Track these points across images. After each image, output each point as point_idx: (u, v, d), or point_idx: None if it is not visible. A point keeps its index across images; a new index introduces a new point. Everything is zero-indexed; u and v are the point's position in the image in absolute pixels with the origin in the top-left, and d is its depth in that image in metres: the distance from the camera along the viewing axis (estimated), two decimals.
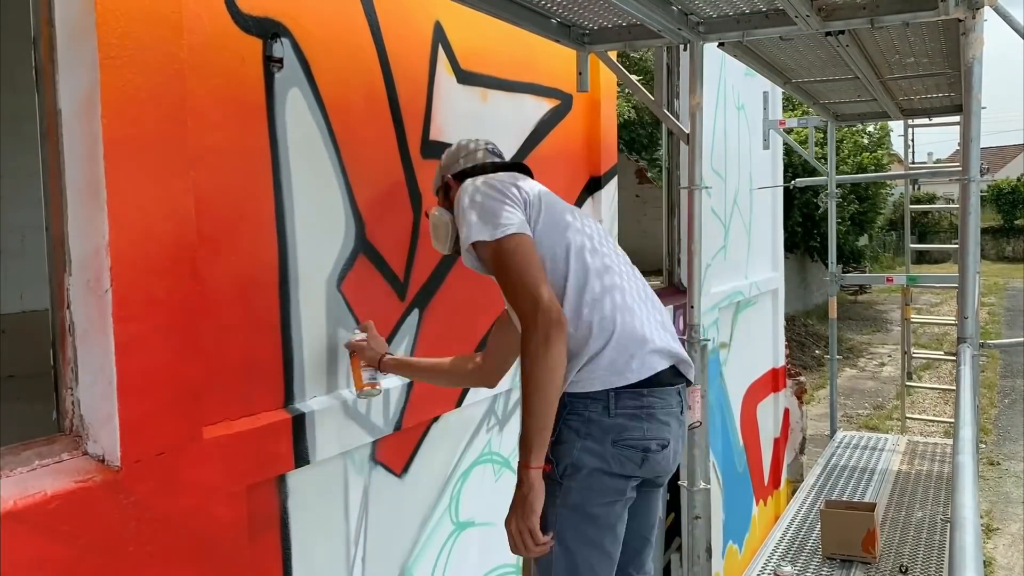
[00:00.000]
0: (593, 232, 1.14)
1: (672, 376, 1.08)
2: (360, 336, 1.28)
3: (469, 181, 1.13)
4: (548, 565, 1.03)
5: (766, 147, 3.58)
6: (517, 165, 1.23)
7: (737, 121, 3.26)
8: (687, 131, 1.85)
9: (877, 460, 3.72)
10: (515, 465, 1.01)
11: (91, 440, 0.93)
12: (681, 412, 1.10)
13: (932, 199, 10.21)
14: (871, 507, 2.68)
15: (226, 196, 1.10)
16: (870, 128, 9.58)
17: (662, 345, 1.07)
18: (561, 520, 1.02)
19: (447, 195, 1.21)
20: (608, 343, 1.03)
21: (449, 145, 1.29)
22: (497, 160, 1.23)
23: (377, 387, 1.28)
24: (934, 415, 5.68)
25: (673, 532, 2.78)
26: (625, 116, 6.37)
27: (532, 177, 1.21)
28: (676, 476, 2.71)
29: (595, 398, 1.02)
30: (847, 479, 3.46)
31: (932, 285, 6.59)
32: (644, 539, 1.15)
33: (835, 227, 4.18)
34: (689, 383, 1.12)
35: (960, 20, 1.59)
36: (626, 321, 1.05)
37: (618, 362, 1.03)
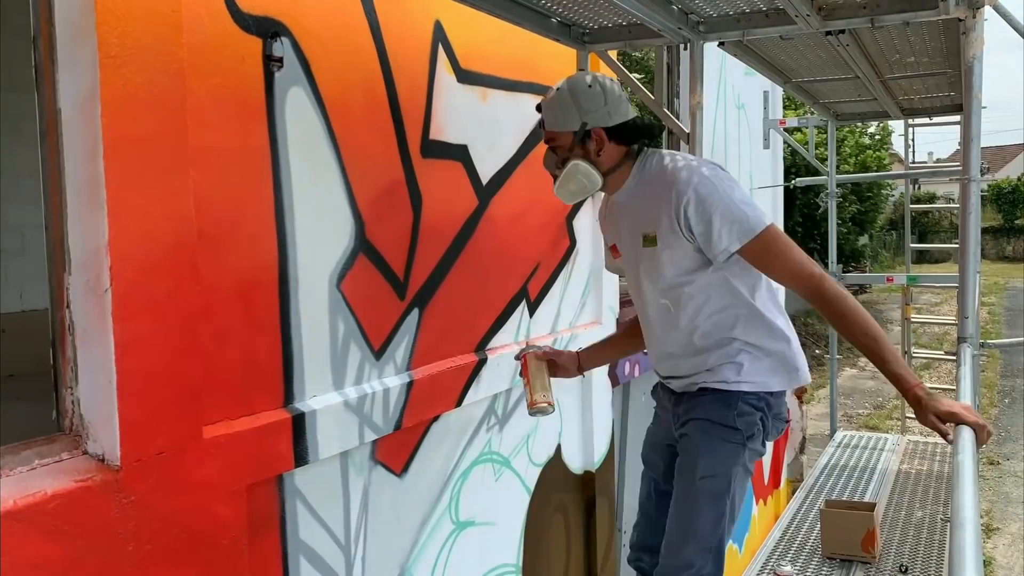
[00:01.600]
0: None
1: None
2: (541, 348, 1.31)
3: (696, 163, 1.16)
4: (719, 511, 1.17)
5: (766, 147, 3.58)
6: (655, 127, 1.31)
7: (737, 120, 3.26)
8: (687, 130, 1.84)
9: (877, 460, 3.72)
10: (515, 465, 1.03)
11: (91, 439, 0.93)
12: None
13: (932, 199, 10.21)
14: (871, 507, 2.68)
15: (226, 195, 1.10)
16: (871, 128, 9.58)
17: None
18: (737, 478, 1.18)
19: (582, 142, 1.17)
20: (790, 347, 1.22)
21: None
22: (642, 118, 1.22)
23: (552, 404, 1.26)
24: None
25: None
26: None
27: (659, 135, 1.33)
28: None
29: (766, 391, 1.20)
30: (847, 479, 3.45)
31: (932, 285, 6.58)
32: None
33: (835, 227, 4.18)
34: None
35: (960, 19, 1.59)
36: (792, 333, 1.24)
37: (790, 366, 1.22)
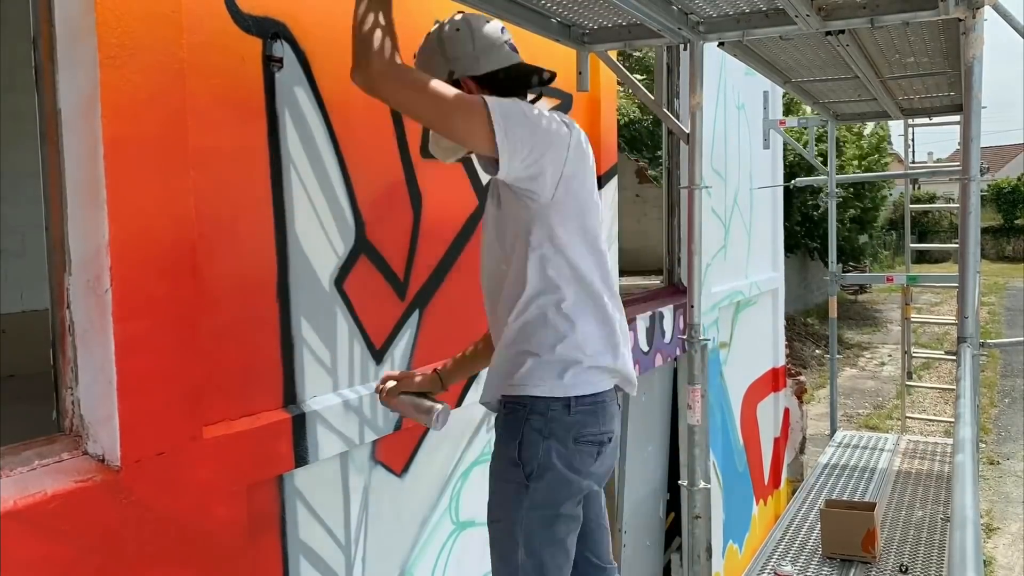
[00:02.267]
0: (599, 222, 1.07)
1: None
2: (389, 383, 1.16)
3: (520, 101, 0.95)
4: (515, 569, 1.02)
5: (766, 147, 3.58)
6: (539, 72, 1.04)
7: (737, 120, 3.26)
8: (687, 131, 1.85)
9: (877, 460, 3.72)
10: None
11: (91, 440, 0.93)
12: (618, 408, 1.09)
13: (932, 199, 10.20)
14: (871, 507, 2.68)
15: (226, 196, 1.10)
16: (868, 130, 9.59)
17: (619, 365, 1.06)
18: (529, 523, 1.01)
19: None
20: (586, 354, 1.01)
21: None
22: (522, 64, 1.03)
23: (441, 408, 1.13)
24: (934, 414, 5.68)
25: (673, 532, 2.78)
26: (630, 115, 6.34)
27: (552, 82, 1.04)
28: (677, 475, 2.70)
29: (558, 399, 1.00)
30: (847, 479, 3.46)
31: (932, 284, 6.59)
32: (599, 525, 1.14)
33: (835, 227, 4.18)
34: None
35: (960, 20, 1.59)
36: (601, 335, 1.03)
37: (588, 372, 1.01)
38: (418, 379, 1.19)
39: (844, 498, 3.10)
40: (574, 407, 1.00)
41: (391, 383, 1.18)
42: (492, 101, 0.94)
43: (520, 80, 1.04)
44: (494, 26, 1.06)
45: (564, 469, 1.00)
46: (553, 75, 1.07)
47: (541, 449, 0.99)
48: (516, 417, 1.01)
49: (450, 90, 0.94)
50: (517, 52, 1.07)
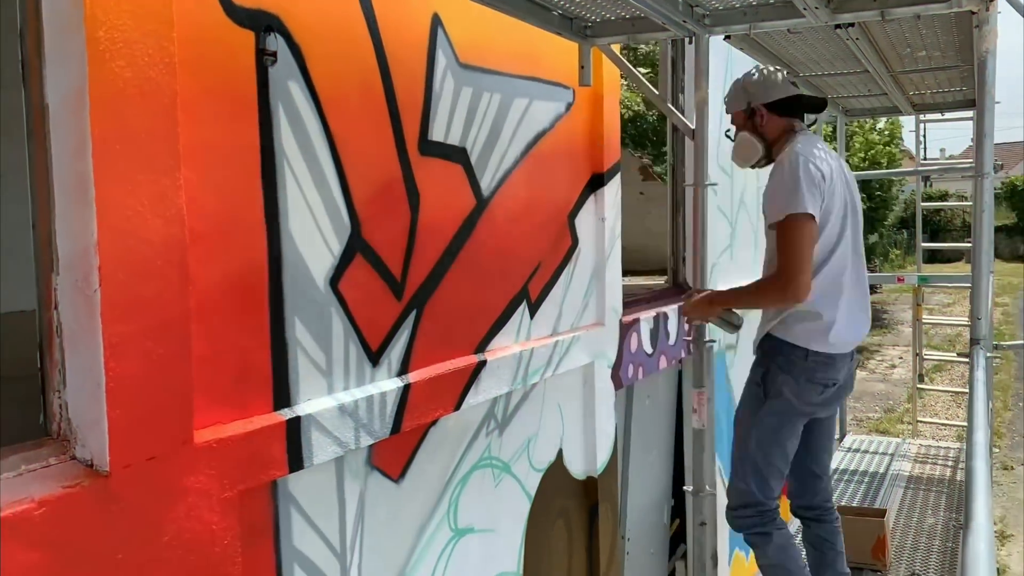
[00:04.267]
0: (853, 220, 1.64)
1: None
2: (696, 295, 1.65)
3: (793, 152, 1.56)
4: (746, 441, 1.66)
5: None
6: (816, 101, 1.76)
7: None
8: (692, 126, 1.81)
9: (888, 464, 3.65)
10: (515, 470, 1.02)
11: (79, 444, 0.91)
12: (851, 359, 1.67)
13: (944, 196, 10.04)
14: (881, 513, 2.63)
15: (218, 194, 1.08)
16: (880, 124, 9.45)
17: (853, 336, 1.64)
18: (760, 424, 1.64)
19: (751, 117, 1.69)
20: (835, 320, 1.57)
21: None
22: (801, 93, 1.69)
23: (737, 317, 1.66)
24: (946, 418, 5.59)
25: (678, 539, 2.73)
26: (634, 108, 6.24)
27: (824, 107, 1.79)
28: (682, 481, 2.66)
29: (801, 347, 1.59)
30: (857, 484, 3.40)
31: (944, 285, 6.48)
32: (821, 446, 1.77)
33: None
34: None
35: (973, 12, 1.54)
36: (844, 306, 1.58)
37: (826, 332, 1.58)
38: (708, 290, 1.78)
39: (854, 504, 3.04)
40: (811, 357, 1.59)
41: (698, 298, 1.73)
42: (793, 211, 1.53)
43: (795, 105, 1.68)
44: (776, 71, 1.73)
45: (792, 398, 1.60)
46: (824, 102, 1.80)
47: (780, 380, 1.62)
48: (768, 351, 1.66)
49: (790, 244, 1.54)
50: (798, 86, 1.73)
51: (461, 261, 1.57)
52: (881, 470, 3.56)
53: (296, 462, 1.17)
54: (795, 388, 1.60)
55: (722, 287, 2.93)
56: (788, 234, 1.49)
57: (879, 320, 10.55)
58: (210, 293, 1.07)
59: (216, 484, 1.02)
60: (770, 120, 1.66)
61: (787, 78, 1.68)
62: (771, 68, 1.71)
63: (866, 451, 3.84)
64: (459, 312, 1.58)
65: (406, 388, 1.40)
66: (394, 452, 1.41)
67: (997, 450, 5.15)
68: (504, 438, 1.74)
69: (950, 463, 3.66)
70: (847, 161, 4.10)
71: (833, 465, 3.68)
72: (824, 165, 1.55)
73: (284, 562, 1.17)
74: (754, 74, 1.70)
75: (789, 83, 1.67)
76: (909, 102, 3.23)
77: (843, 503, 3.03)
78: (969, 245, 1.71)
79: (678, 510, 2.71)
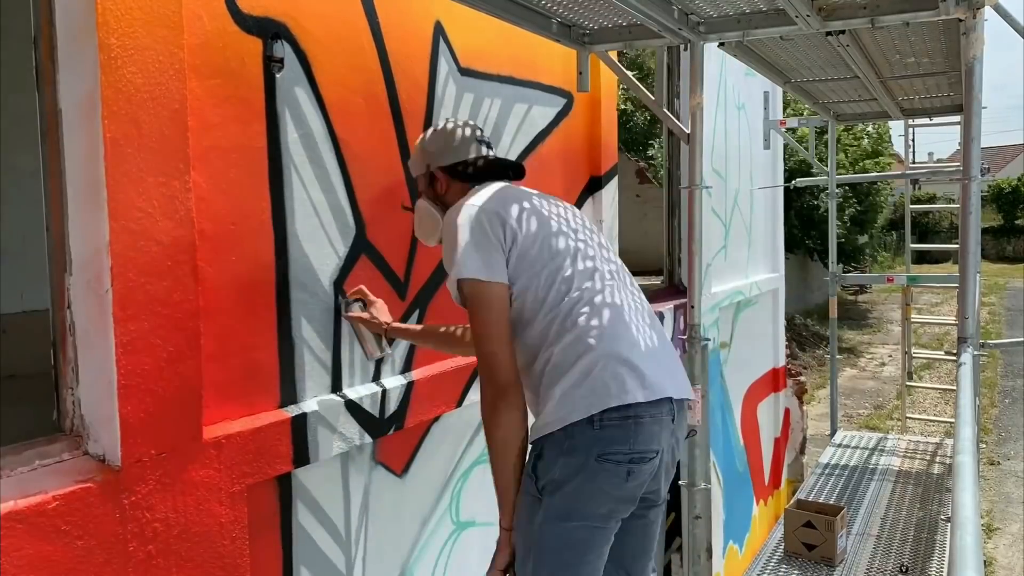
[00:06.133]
0: (585, 246, 1.09)
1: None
2: (358, 311, 1.29)
3: (462, 207, 1.07)
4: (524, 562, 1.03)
5: (767, 147, 3.58)
6: (509, 166, 1.20)
7: (737, 121, 3.26)
8: (687, 131, 1.84)
9: (877, 460, 3.72)
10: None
11: (91, 440, 0.93)
12: (673, 420, 1.02)
13: (932, 199, 10.18)
14: (837, 511, 2.69)
15: (226, 196, 1.10)
16: (866, 135, 9.58)
17: (650, 374, 1.00)
18: (542, 536, 1.00)
19: (431, 183, 1.19)
20: (590, 372, 0.99)
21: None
22: (489, 157, 1.18)
23: (387, 352, 1.32)
24: (935, 415, 5.68)
25: (673, 532, 2.77)
26: (619, 107, 6.28)
27: (523, 176, 1.20)
28: (677, 479, 2.70)
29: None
30: (847, 479, 3.46)
31: (932, 285, 6.57)
32: (641, 564, 1.11)
33: (835, 227, 4.17)
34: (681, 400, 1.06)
35: (960, 20, 1.59)
36: (612, 346, 1.00)
37: (599, 388, 0.98)
38: (384, 319, 1.29)
39: (843, 500, 3.10)
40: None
41: (357, 307, 1.29)
42: (467, 281, 1.04)
43: (482, 171, 1.17)
44: (465, 126, 1.20)
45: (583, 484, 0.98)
46: (514, 166, 1.21)
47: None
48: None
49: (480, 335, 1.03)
50: (487, 147, 1.21)
51: None
52: (871, 465, 3.62)
53: (302, 457, 1.19)
54: (584, 469, 0.98)
55: (717, 288, 3.00)
56: (474, 306, 1.04)
57: (870, 319, 10.68)
58: (218, 293, 1.09)
59: (225, 478, 1.05)
60: (452, 187, 1.16)
61: (474, 135, 1.18)
62: (457, 122, 1.20)
63: (856, 447, 3.91)
64: (461, 311, 1.60)
65: (409, 385, 1.43)
66: (398, 448, 1.44)
67: (984, 446, 5.24)
68: None
69: (938, 458, 3.73)
70: (838, 164, 4.15)
71: (824, 460, 3.74)
72: (507, 217, 1.06)
73: (291, 555, 1.20)
74: (433, 130, 1.21)
75: (476, 141, 1.17)
76: (898, 107, 3.30)
77: (832, 499, 3.09)
78: (957, 246, 1.74)
79: (673, 504, 2.75)
